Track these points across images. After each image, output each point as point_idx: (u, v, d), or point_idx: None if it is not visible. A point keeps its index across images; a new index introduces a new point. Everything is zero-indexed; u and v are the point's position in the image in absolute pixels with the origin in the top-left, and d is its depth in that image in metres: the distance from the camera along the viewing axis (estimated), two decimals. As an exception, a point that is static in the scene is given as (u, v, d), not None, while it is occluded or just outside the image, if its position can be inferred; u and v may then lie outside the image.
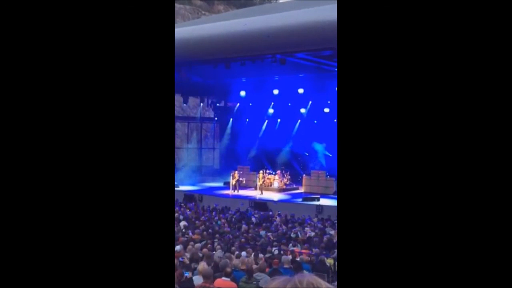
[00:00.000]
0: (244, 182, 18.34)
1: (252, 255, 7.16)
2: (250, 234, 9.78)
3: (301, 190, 18.18)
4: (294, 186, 18.85)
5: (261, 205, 15.37)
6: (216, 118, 23.71)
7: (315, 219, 12.65)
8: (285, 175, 18.82)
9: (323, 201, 15.23)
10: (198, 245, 7.65)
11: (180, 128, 24.51)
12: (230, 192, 17.62)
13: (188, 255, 6.59)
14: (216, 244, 8.19)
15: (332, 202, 14.92)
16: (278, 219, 12.35)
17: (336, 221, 12.01)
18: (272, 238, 9.59)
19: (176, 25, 13.74)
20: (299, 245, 8.87)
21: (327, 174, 17.74)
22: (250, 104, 21.39)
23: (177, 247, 6.98)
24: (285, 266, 6.39)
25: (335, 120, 19.18)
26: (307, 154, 20.56)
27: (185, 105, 22.06)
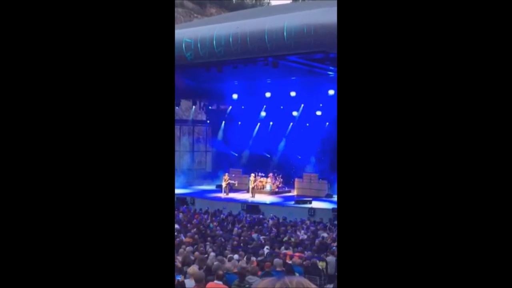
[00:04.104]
0: (236, 185, 18.28)
1: (245, 258, 7.13)
2: (242, 237, 9.75)
3: (294, 193, 18.17)
4: (286, 189, 18.85)
5: (253, 208, 15.35)
6: (208, 121, 23.67)
7: (307, 222, 12.65)
8: (277, 178, 18.81)
9: (315, 204, 15.25)
10: (189, 248, 7.61)
11: (172, 131, 24.38)
12: (222, 195, 17.58)
13: (180, 258, 6.55)
14: (208, 247, 8.15)
15: (325, 205, 14.94)
16: (270, 222, 12.33)
17: (328, 224, 12.06)
18: (264, 241, 9.57)
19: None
20: (291, 248, 8.85)
21: (320, 177, 17.76)
22: (243, 107, 21.38)
23: (169, 250, 6.92)
24: (277, 269, 6.37)
25: (327, 123, 19.30)
26: (300, 157, 20.59)
27: (177, 108, 21.97)
